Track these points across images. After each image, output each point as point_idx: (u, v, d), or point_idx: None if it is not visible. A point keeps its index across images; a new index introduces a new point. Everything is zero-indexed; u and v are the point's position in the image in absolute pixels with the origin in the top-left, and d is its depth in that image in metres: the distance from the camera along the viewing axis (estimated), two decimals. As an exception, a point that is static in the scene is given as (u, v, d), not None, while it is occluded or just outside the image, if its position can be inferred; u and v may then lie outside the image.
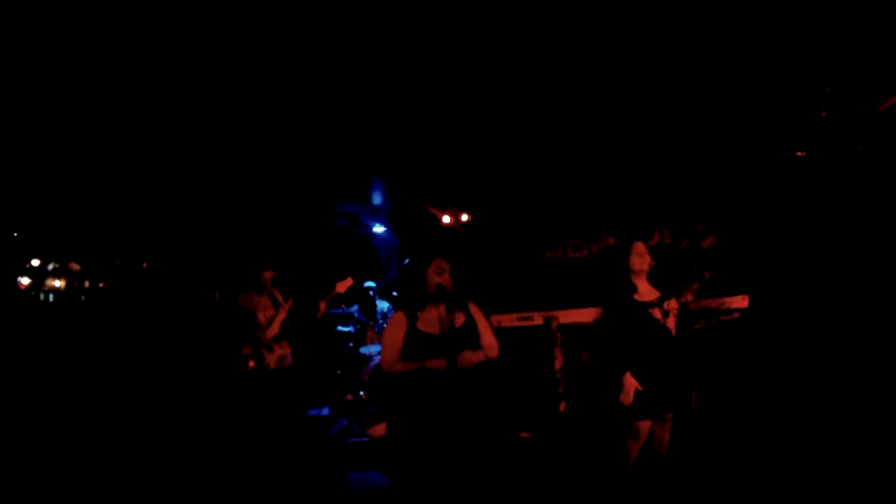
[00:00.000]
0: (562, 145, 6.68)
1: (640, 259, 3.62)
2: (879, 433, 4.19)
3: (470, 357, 2.92)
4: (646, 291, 3.63)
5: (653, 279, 3.68)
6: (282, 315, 4.89)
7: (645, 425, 3.55)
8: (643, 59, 5.61)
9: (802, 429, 4.51)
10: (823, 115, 5.27)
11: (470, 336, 2.99)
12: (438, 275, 2.99)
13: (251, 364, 4.71)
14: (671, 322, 3.58)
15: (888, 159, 5.13)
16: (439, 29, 5.37)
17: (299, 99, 6.38)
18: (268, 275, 4.89)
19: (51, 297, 14.16)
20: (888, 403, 4.41)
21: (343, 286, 4.95)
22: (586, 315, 5.34)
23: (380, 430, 5.67)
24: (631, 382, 3.47)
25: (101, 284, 12.68)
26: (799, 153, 5.52)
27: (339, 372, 6.47)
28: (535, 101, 6.17)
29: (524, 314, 5.43)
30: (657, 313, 3.56)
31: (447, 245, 6.58)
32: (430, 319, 2.97)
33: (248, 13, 5.16)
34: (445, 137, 6.83)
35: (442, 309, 2.94)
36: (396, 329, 2.97)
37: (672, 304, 3.61)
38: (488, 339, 3.08)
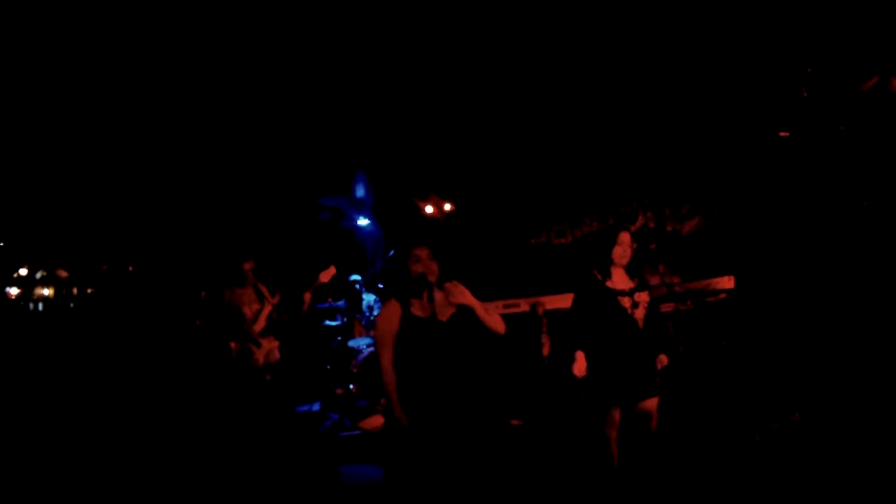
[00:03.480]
0: (543, 132, 6.67)
1: (623, 251, 3.60)
2: (868, 409, 4.21)
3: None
4: (619, 280, 3.62)
5: (629, 269, 3.67)
6: (268, 308, 4.87)
7: (616, 412, 3.56)
8: (624, 42, 5.61)
9: (792, 407, 4.52)
10: (805, 95, 5.27)
11: (467, 322, 2.95)
12: (417, 263, 2.95)
13: (235, 349, 4.68)
14: (639, 314, 3.55)
15: (871, 139, 5.14)
16: (418, 24, 5.36)
17: (280, 95, 6.35)
18: (248, 266, 4.85)
19: (40, 306, 14.09)
20: (876, 378, 4.42)
21: (327, 275, 4.90)
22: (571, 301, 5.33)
23: (371, 422, 5.65)
24: (580, 359, 3.45)
25: (89, 290, 12.61)
26: (782, 133, 5.52)
27: (328, 366, 6.45)
28: (515, 89, 6.16)
29: (510, 301, 5.45)
30: (626, 302, 3.55)
31: (430, 235, 6.58)
32: (421, 307, 2.94)
33: (231, 11, 5.13)
34: (426, 129, 6.81)
35: (425, 298, 2.91)
36: (390, 316, 2.91)
37: (643, 297, 3.58)
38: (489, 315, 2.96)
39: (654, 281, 5.17)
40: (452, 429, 2.82)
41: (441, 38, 5.54)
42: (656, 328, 3.67)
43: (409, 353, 2.88)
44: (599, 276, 3.59)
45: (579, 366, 3.47)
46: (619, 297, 3.54)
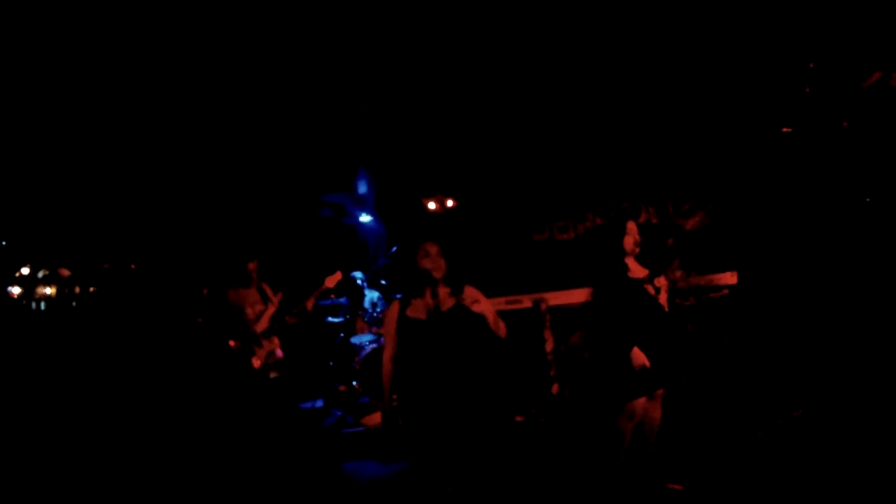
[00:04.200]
0: (545, 127, 6.66)
1: (633, 239, 3.63)
2: (870, 405, 4.20)
3: None
4: (636, 269, 3.64)
5: (639, 258, 3.68)
6: (271, 310, 4.86)
7: (639, 404, 3.55)
8: (626, 38, 5.60)
9: (795, 404, 4.51)
10: (807, 91, 5.26)
11: (459, 320, 2.96)
12: (426, 258, 2.97)
13: (235, 348, 4.68)
14: (662, 298, 3.58)
15: (874, 135, 5.12)
16: (420, 19, 5.36)
17: (282, 91, 6.35)
18: (252, 265, 4.85)
19: (42, 305, 14.11)
20: (878, 374, 4.42)
21: (332, 281, 4.91)
22: (575, 296, 5.32)
23: (374, 419, 5.67)
24: (640, 355, 3.42)
25: (91, 289, 12.62)
26: (784, 129, 5.51)
27: (330, 363, 6.45)
28: (517, 85, 6.16)
29: (512, 297, 5.43)
30: (651, 290, 3.57)
31: (433, 231, 6.59)
32: (420, 305, 2.95)
33: (231, 9, 5.13)
34: (429, 125, 6.81)
35: (428, 294, 2.92)
36: (390, 318, 2.99)
37: (661, 282, 3.62)
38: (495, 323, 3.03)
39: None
40: (450, 426, 2.83)
41: (443, 34, 5.54)
42: (677, 314, 3.69)
43: (407, 353, 2.93)
44: (620, 268, 3.60)
45: (642, 357, 3.42)
46: (645, 285, 3.55)
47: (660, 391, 3.61)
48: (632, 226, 3.65)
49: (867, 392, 4.32)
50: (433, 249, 2.98)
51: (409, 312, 2.94)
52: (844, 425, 4.10)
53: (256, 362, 4.73)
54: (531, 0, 5.17)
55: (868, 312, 4.78)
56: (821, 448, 3.88)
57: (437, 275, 2.93)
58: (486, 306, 2.96)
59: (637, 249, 3.64)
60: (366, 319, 6.49)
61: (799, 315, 5.19)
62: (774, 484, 3.54)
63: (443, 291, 2.95)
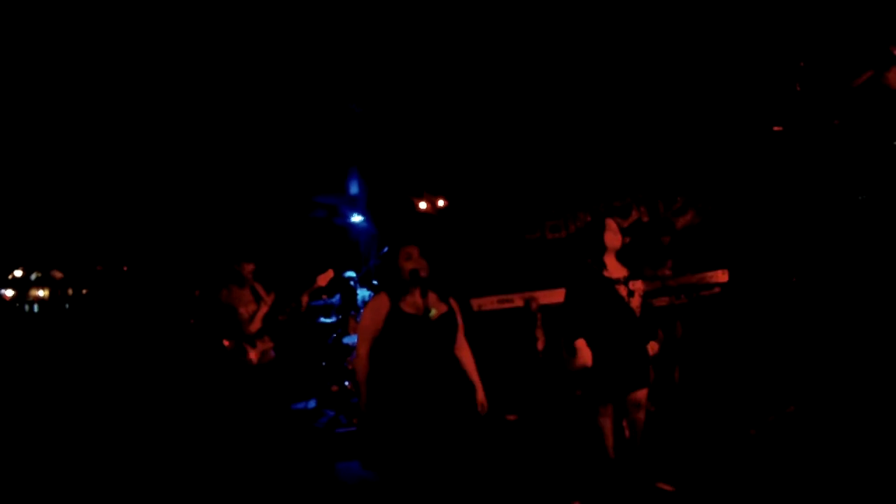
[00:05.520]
0: (537, 127, 6.68)
1: (614, 236, 3.61)
2: (862, 401, 4.21)
3: None
4: (614, 269, 3.61)
5: (621, 258, 3.67)
6: (264, 309, 4.85)
7: (616, 402, 3.57)
8: (617, 37, 5.61)
9: (787, 401, 4.52)
10: (798, 89, 5.27)
11: (451, 326, 2.96)
12: (408, 261, 2.94)
13: (229, 349, 4.68)
14: (635, 302, 3.55)
15: (865, 133, 5.14)
16: (411, 20, 5.36)
17: (274, 93, 6.35)
18: (248, 267, 4.84)
19: (35, 308, 14.07)
20: (869, 370, 4.43)
21: (324, 279, 4.90)
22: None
23: (367, 419, 5.64)
24: (584, 347, 3.45)
25: (84, 291, 12.58)
26: (775, 128, 5.52)
27: (323, 363, 6.44)
28: (509, 85, 6.17)
29: (504, 296, 5.45)
30: (623, 291, 3.55)
31: (424, 231, 6.58)
32: (412, 303, 2.92)
33: (226, 10, 5.13)
34: (420, 125, 6.82)
35: (417, 295, 2.91)
36: (377, 310, 2.87)
37: (637, 285, 3.58)
38: (461, 341, 3.06)
39: (648, 273, 5.18)
40: (436, 425, 2.79)
41: (435, 34, 5.54)
42: (648, 318, 3.68)
43: (396, 348, 2.85)
44: (596, 266, 3.59)
45: (585, 354, 3.46)
46: (617, 286, 3.54)
47: (644, 390, 3.61)
48: (611, 222, 3.63)
49: (860, 388, 4.33)
50: (414, 251, 2.96)
51: (404, 307, 2.88)
52: (837, 422, 4.11)
53: (253, 361, 4.73)
54: (524, 1, 5.18)
55: (860, 309, 4.79)
56: (814, 445, 3.89)
57: (424, 274, 2.91)
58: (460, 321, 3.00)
59: (617, 244, 3.62)
60: (358, 320, 6.48)
61: (790, 312, 5.20)
62: (767, 481, 3.53)
63: (432, 295, 2.94)
